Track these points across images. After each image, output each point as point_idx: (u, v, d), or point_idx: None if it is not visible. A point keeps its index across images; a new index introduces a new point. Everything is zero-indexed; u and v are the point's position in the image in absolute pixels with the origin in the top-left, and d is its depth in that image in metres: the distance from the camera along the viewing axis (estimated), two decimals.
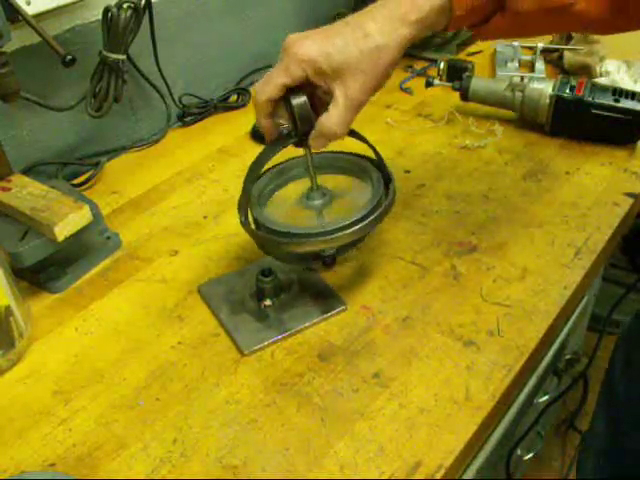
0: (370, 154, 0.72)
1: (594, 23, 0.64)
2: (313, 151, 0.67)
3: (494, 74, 1.19)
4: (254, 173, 0.68)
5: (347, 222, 0.65)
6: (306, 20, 1.29)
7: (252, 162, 0.68)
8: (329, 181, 0.73)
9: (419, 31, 0.61)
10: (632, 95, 0.93)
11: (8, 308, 0.65)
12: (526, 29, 0.67)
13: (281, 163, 0.75)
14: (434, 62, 1.21)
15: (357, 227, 0.65)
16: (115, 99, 0.93)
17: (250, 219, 0.70)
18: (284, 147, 0.66)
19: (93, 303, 0.76)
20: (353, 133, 0.68)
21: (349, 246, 0.71)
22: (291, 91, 0.63)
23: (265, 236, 0.67)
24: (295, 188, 0.74)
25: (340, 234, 0.65)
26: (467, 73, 1.11)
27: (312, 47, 0.60)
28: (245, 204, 0.68)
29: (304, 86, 0.63)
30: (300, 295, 0.74)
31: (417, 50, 1.27)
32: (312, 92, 0.64)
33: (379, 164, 0.72)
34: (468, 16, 0.63)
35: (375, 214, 0.66)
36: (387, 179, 0.70)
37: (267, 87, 0.62)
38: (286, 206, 0.72)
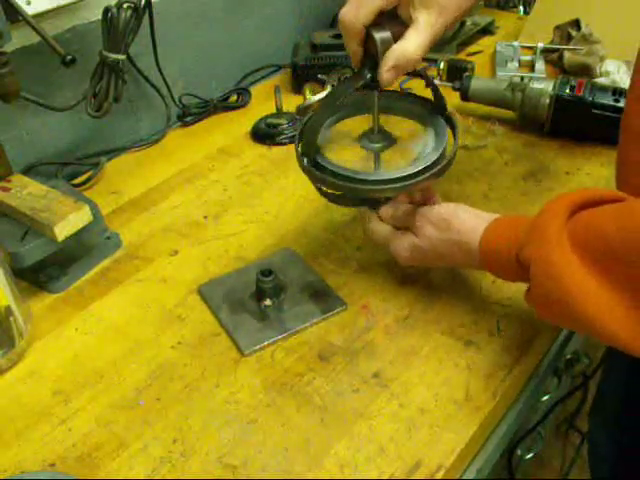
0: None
1: None
2: (384, 86, 0.63)
3: (494, 74, 1.19)
4: (324, 114, 0.65)
5: (414, 170, 0.64)
6: (306, 20, 1.29)
7: (324, 101, 0.65)
8: (388, 122, 0.70)
9: None
10: None
11: (8, 308, 0.65)
12: None
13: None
14: (434, 62, 1.21)
15: (424, 176, 0.64)
16: (115, 99, 0.93)
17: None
18: (358, 87, 0.63)
19: (93, 303, 0.76)
20: (419, 74, 0.67)
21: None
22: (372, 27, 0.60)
23: (330, 180, 0.65)
24: (353, 125, 0.71)
25: (407, 183, 0.64)
26: (467, 73, 1.11)
27: None
28: (313, 146, 0.65)
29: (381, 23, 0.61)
30: (300, 295, 0.74)
31: None
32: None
33: (442, 110, 0.69)
34: None
35: (441, 164, 0.65)
36: (451, 126, 0.69)
37: (362, 11, 0.59)
38: (343, 144, 0.70)
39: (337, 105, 0.66)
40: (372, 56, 0.61)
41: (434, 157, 0.66)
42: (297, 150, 0.68)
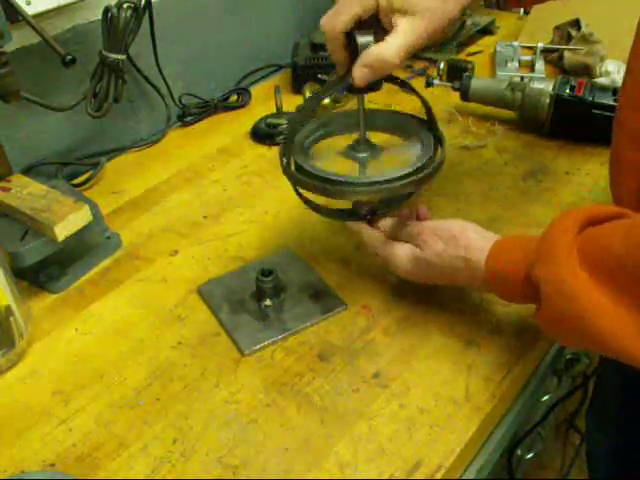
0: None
1: None
2: (356, 84, 0.62)
3: (494, 74, 1.19)
4: (303, 114, 0.65)
5: (400, 174, 0.63)
6: (306, 20, 1.29)
7: (304, 103, 0.65)
8: (376, 138, 0.71)
9: None
10: None
11: (8, 308, 0.65)
12: None
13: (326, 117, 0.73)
14: (434, 62, 1.21)
15: (409, 180, 0.63)
16: (115, 99, 0.93)
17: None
18: (339, 88, 0.65)
19: (93, 303, 0.76)
20: (405, 84, 0.67)
21: (393, 202, 0.72)
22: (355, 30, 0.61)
23: (309, 182, 0.64)
24: (339, 141, 0.72)
25: (390, 185, 0.63)
26: (467, 73, 1.11)
27: None
28: (289, 148, 0.65)
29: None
30: (300, 295, 0.74)
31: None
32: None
33: (430, 124, 0.69)
34: None
35: (427, 170, 0.64)
36: (438, 140, 0.68)
37: (340, 18, 0.61)
38: (329, 156, 0.70)
39: (317, 107, 0.67)
40: (353, 56, 0.62)
41: (418, 164, 0.65)
42: (280, 153, 0.67)
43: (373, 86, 0.63)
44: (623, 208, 0.55)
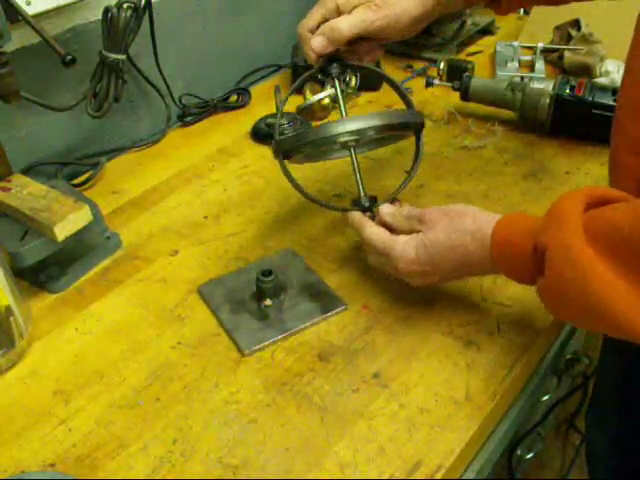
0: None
1: None
2: (315, 51, 0.71)
3: (494, 74, 1.19)
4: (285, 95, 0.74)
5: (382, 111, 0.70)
6: None
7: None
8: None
9: None
10: None
11: (8, 308, 0.65)
12: None
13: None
14: (434, 62, 1.21)
15: (378, 116, 0.68)
16: (115, 99, 0.93)
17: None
18: (312, 74, 0.74)
19: (93, 303, 0.76)
20: (370, 68, 0.76)
21: (373, 142, 0.77)
22: None
23: (288, 139, 0.70)
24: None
25: (362, 123, 0.67)
26: (467, 73, 1.11)
27: None
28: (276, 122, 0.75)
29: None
30: (300, 295, 0.74)
31: (417, 50, 1.27)
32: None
33: (404, 100, 0.75)
34: None
35: (395, 113, 0.71)
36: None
37: (308, 21, 0.72)
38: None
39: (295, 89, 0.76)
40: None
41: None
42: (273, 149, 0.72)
43: None
44: (626, 193, 0.55)
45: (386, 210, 0.69)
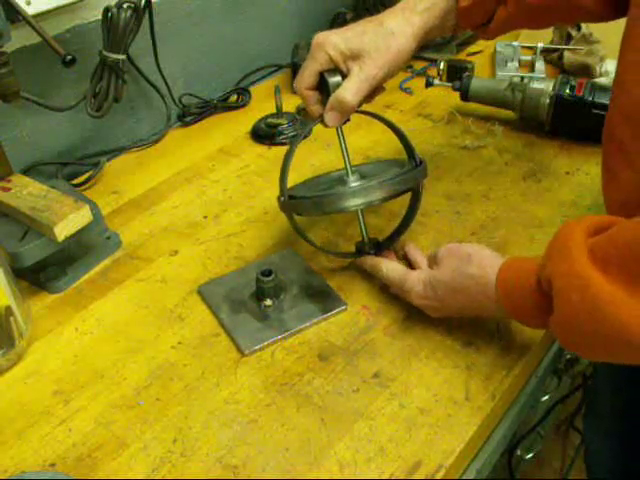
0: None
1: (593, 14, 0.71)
2: (330, 127, 0.72)
3: (494, 74, 1.19)
4: (291, 149, 0.73)
5: (385, 177, 0.69)
6: (306, 20, 1.29)
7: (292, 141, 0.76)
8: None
9: (428, 18, 0.71)
10: None
11: (8, 308, 0.65)
12: (530, 18, 0.75)
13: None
14: (434, 62, 1.21)
15: (386, 182, 0.69)
16: (115, 99, 0.93)
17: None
18: (316, 124, 0.74)
19: (93, 303, 0.76)
20: (378, 117, 0.75)
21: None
22: (327, 72, 0.71)
23: (296, 202, 0.72)
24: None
25: (367, 191, 0.69)
26: (467, 73, 1.11)
27: (334, 35, 0.70)
28: (284, 182, 0.73)
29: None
30: (300, 295, 0.74)
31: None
32: None
33: (407, 149, 0.75)
34: (474, 9, 0.72)
35: (403, 175, 0.71)
36: (418, 163, 0.74)
37: (303, 77, 0.72)
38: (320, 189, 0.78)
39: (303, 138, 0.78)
40: (328, 97, 0.71)
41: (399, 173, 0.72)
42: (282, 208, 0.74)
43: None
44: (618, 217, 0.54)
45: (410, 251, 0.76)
